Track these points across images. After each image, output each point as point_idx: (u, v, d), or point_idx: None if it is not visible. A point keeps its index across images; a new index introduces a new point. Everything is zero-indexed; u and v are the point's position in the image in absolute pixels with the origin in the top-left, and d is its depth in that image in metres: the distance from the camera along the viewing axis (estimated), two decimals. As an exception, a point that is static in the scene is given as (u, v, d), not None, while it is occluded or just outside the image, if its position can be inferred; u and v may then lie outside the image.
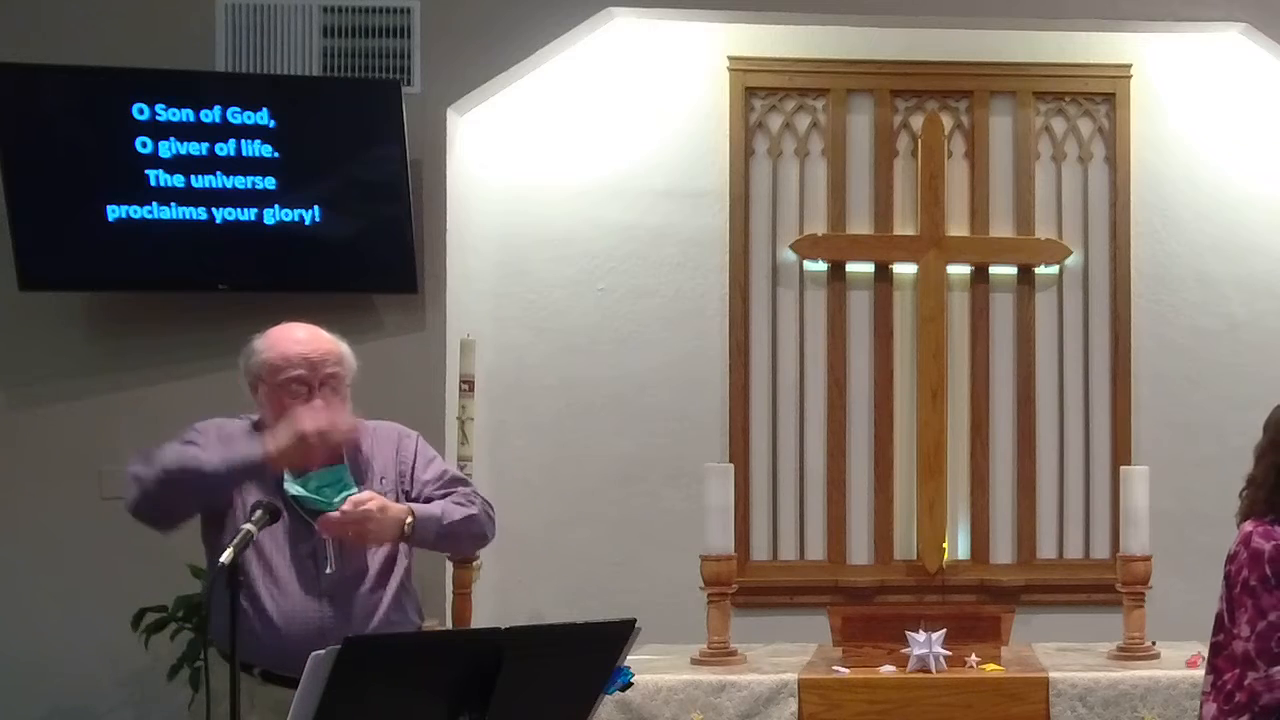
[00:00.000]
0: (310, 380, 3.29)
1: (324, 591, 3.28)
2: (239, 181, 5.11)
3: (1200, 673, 4.08)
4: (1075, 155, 5.96)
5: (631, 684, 3.73)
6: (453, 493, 3.48)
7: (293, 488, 3.29)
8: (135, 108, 5.03)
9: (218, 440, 3.35)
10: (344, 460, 3.38)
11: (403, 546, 3.42)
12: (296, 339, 3.33)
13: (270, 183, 5.13)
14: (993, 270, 5.91)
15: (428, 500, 3.45)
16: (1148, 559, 4.36)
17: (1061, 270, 5.92)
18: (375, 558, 3.36)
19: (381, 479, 3.42)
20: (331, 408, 3.29)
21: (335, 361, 3.35)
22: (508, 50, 5.38)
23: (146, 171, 5.05)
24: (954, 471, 5.87)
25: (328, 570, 3.28)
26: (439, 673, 2.63)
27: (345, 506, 3.24)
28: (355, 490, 3.32)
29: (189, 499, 3.26)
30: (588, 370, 5.80)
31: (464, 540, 3.53)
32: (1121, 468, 4.71)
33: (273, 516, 3.13)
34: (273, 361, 3.30)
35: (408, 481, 3.46)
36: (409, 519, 3.32)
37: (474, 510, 3.45)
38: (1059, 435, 5.92)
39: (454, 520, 3.40)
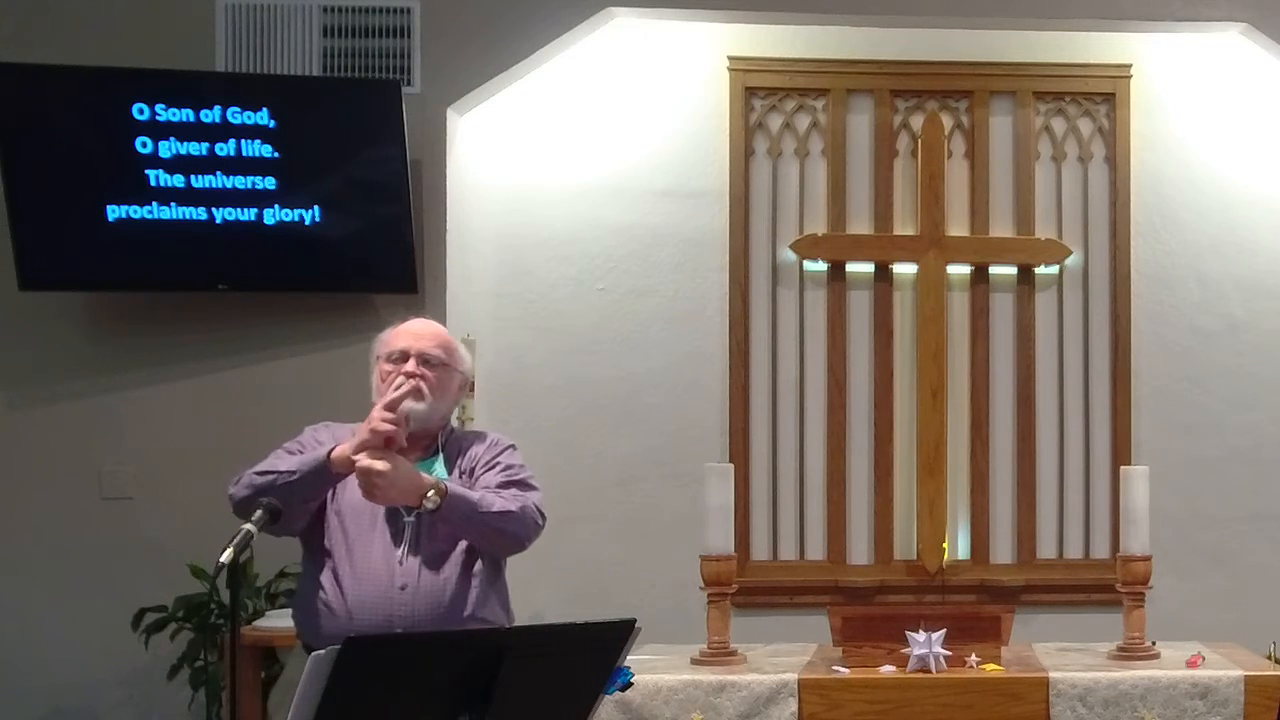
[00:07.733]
0: (409, 353, 3.39)
1: (401, 581, 3.29)
2: (239, 181, 5.11)
3: (1200, 673, 4.09)
4: (1075, 155, 5.96)
5: (631, 684, 3.71)
6: (504, 491, 3.44)
7: None
8: (135, 108, 5.03)
9: (330, 441, 3.37)
10: (439, 453, 3.43)
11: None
12: (410, 329, 3.48)
13: (270, 183, 5.13)
14: (993, 270, 5.91)
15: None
16: (1148, 559, 4.35)
17: (1061, 270, 5.92)
18: (460, 553, 3.36)
19: (460, 475, 3.46)
20: (432, 391, 3.37)
21: (438, 346, 3.44)
22: (508, 50, 5.38)
23: (146, 171, 5.05)
24: (954, 471, 5.87)
25: (399, 562, 3.30)
26: (439, 673, 2.63)
27: (361, 461, 3.23)
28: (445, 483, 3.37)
29: (285, 506, 3.24)
30: (588, 370, 5.81)
31: (495, 536, 3.40)
32: (1121, 468, 4.69)
33: (273, 516, 3.13)
34: (384, 340, 3.46)
35: (469, 478, 3.46)
36: (432, 490, 3.26)
37: (513, 508, 3.39)
38: (1059, 435, 5.93)
39: (489, 510, 3.34)
